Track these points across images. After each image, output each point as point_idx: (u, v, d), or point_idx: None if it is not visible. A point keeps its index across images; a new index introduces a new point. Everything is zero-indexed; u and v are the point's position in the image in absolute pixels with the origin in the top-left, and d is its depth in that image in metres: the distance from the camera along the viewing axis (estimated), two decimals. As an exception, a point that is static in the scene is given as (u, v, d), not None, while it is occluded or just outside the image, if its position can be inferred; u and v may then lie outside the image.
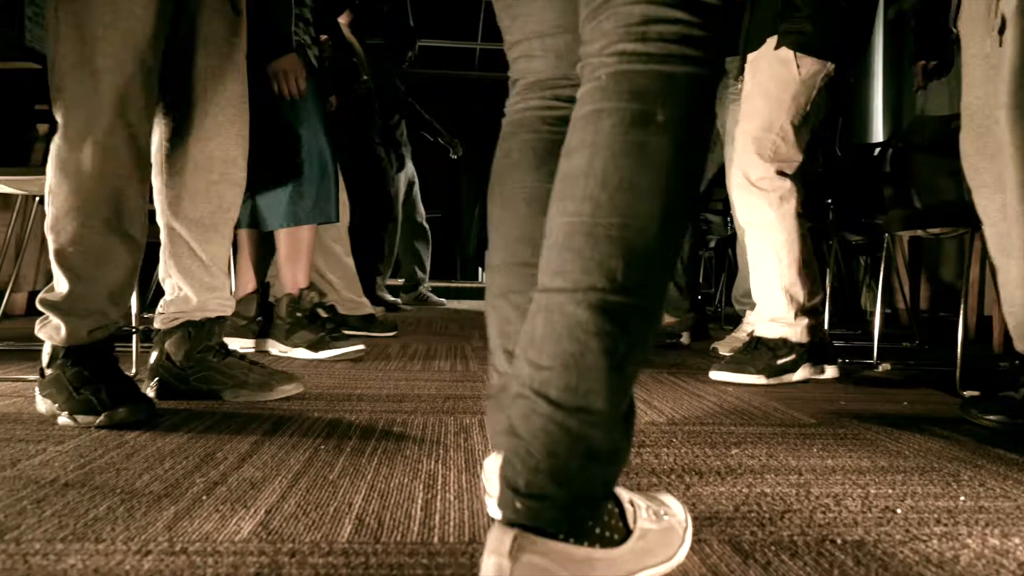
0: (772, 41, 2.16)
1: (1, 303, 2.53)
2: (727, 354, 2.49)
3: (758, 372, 2.11)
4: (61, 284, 1.43)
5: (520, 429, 0.71)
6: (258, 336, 2.54)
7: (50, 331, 1.45)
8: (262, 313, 2.55)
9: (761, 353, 2.15)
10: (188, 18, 1.58)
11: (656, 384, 2.06)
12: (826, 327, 2.72)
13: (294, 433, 1.37)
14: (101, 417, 1.37)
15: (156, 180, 1.65)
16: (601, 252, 0.70)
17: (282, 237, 2.48)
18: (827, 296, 3.11)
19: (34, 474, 1.07)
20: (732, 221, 3.54)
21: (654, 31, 0.73)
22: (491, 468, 0.94)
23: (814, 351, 2.18)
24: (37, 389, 1.45)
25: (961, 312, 2.21)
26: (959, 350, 2.14)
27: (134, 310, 2.00)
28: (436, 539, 0.87)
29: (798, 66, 2.13)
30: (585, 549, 0.70)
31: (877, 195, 3.40)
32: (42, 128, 2.57)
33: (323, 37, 2.94)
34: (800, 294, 2.15)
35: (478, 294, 6.68)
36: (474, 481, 1.10)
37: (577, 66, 0.80)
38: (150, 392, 1.65)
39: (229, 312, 1.74)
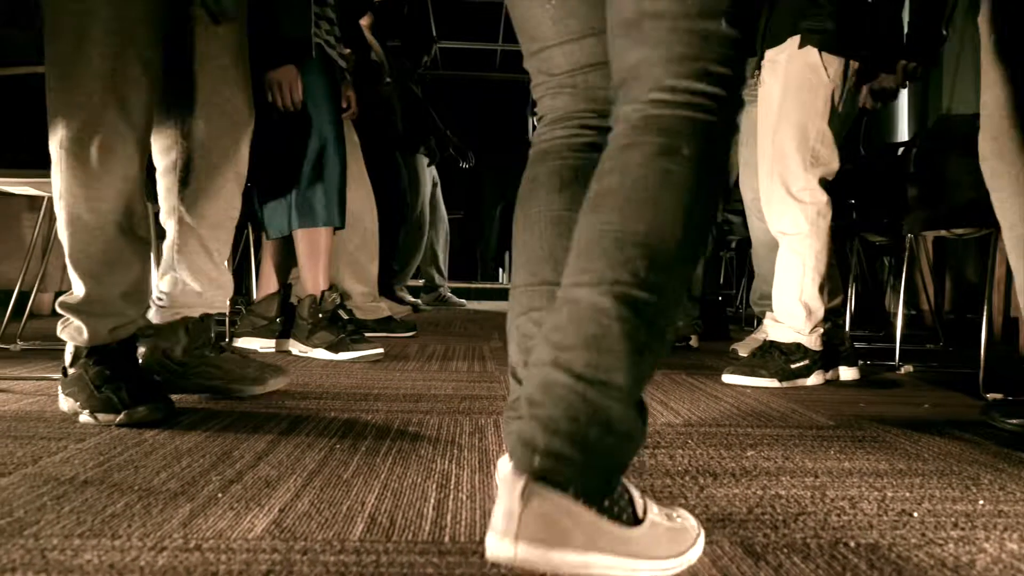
0: (793, 40, 2.14)
1: (28, 303, 2.58)
2: (745, 355, 2.47)
3: (771, 375, 2.10)
4: (78, 287, 1.46)
5: (540, 397, 0.75)
6: (279, 336, 2.57)
7: (72, 332, 1.47)
8: (283, 313, 2.57)
9: (774, 357, 2.14)
10: (189, 17, 1.60)
11: (673, 385, 2.06)
12: (848, 329, 2.70)
13: (310, 432, 1.38)
14: (121, 415, 1.38)
15: (166, 178, 1.67)
16: (627, 254, 0.77)
17: (300, 239, 2.50)
18: (850, 297, 3.08)
19: (55, 471, 1.09)
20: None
21: (681, 98, 0.82)
22: (504, 469, 0.94)
23: (828, 357, 2.17)
24: (60, 387, 1.47)
25: (984, 313, 2.17)
26: (982, 352, 2.11)
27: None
28: (447, 538, 0.87)
29: (825, 67, 2.11)
30: (595, 514, 0.73)
31: (901, 195, 3.36)
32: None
33: (347, 51, 2.94)
34: (819, 308, 2.15)
35: (498, 295, 6.69)
36: (487, 481, 1.10)
37: (611, 111, 0.90)
38: None
39: (227, 310, 1.77)
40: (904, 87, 2.34)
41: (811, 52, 2.11)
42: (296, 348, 2.50)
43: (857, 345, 2.69)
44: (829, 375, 2.20)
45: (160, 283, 1.72)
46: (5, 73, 2.00)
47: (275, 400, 1.69)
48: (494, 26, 9.42)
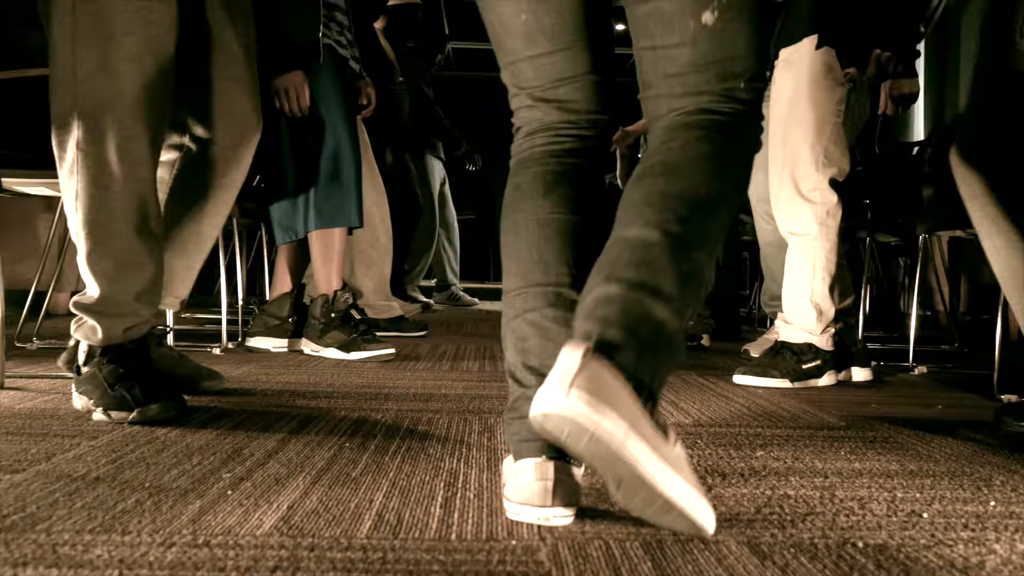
0: (809, 41, 2.13)
1: (44, 303, 2.61)
2: (757, 356, 2.46)
3: (782, 376, 2.09)
4: (92, 288, 1.47)
5: (594, 305, 0.84)
6: (292, 336, 2.58)
7: (86, 331, 1.49)
8: (296, 313, 2.59)
9: (785, 358, 2.13)
10: (200, 23, 1.61)
11: (684, 385, 2.05)
12: (862, 329, 2.68)
13: (320, 431, 1.39)
14: (134, 413, 1.40)
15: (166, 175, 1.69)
16: (672, 205, 0.88)
17: (315, 239, 2.51)
18: (862, 298, 3.06)
19: (67, 468, 1.10)
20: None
21: (706, 117, 0.97)
22: (509, 470, 0.95)
23: (840, 357, 2.16)
24: (73, 385, 1.49)
25: (999, 314, 2.15)
26: (996, 353, 2.09)
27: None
28: (454, 536, 0.88)
29: (842, 66, 2.10)
30: (640, 406, 0.77)
31: (916, 195, 3.33)
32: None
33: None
34: (829, 308, 2.13)
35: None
36: (495, 480, 1.11)
37: (585, 120, 1.05)
38: None
39: (176, 309, 1.82)
40: (879, 80, 2.31)
41: (828, 52, 2.11)
42: (308, 347, 2.51)
43: (871, 346, 2.68)
44: (841, 376, 2.18)
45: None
46: (24, 75, 2.02)
47: (286, 399, 1.70)
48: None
